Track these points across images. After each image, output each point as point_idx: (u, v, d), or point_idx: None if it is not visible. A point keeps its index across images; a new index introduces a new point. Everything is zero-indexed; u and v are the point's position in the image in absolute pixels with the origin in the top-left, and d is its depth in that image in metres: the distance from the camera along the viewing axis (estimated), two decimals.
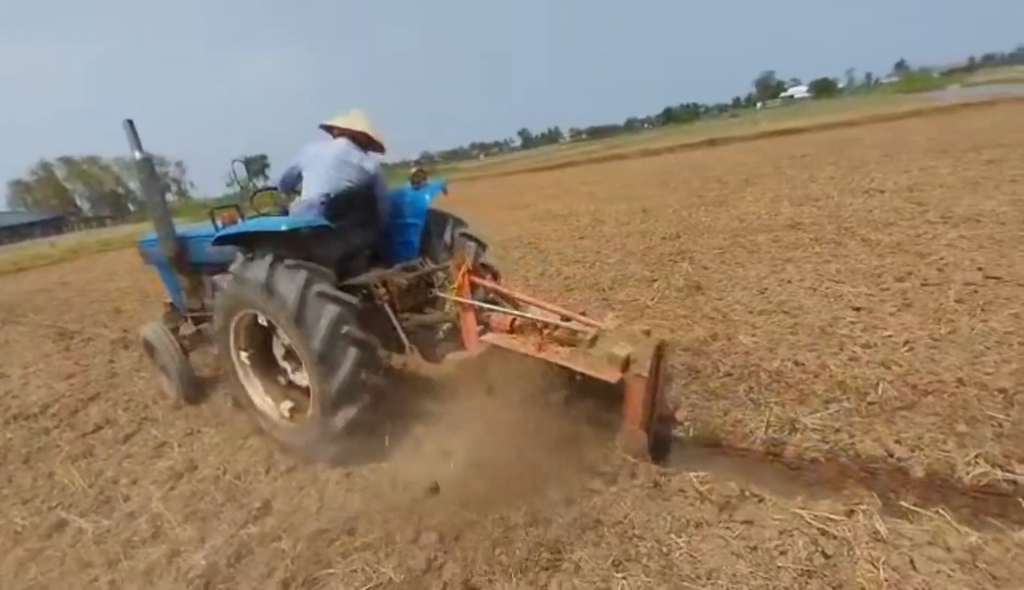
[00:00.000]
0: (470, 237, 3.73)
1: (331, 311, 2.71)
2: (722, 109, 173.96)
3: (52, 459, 3.79)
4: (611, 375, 2.38)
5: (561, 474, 2.54)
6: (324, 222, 3.06)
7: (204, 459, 3.45)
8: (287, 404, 3.35)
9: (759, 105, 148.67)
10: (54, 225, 64.57)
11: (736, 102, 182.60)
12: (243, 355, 3.36)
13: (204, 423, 3.96)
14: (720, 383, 3.29)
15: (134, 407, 4.52)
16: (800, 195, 8.95)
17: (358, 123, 3.44)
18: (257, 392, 3.41)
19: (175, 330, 4.41)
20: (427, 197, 3.71)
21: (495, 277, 3.72)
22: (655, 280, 5.65)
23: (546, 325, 2.78)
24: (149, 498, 3.07)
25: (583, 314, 2.88)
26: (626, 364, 2.39)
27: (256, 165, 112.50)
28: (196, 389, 4.39)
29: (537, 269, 7.12)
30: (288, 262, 2.80)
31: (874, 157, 11.90)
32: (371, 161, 3.46)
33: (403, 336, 3.12)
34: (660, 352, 2.52)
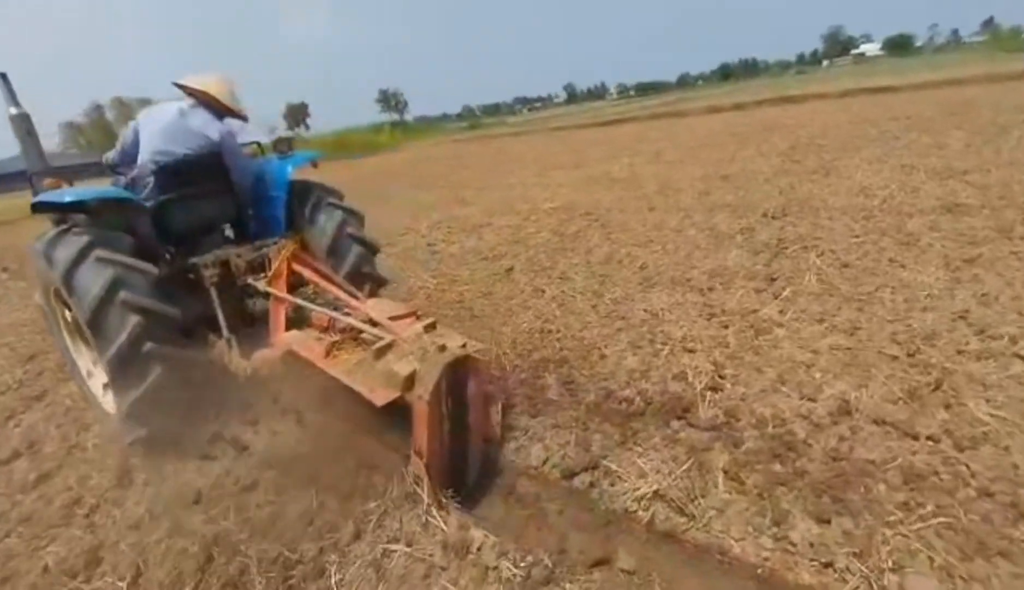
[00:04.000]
0: (339, 207, 3.46)
1: (106, 275, 2.45)
2: (785, 66, 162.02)
3: None
4: (380, 397, 2.04)
5: None
6: (121, 194, 2.88)
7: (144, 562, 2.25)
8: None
9: (825, 63, 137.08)
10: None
11: (800, 58, 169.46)
12: (67, 332, 3.21)
13: (155, 452, 2.71)
14: (990, 508, 1.82)
15: (70, 422, 3.42)
16: (937, 166, 7.03)
17: (211, 87, 3.15)
18: (85, 370, 3.19)
19: None
20: (289, 167, 3.47)
21: (373, 251, 3.54)
22: (774, 279, 4.09)
23: (350, 328, 2.47)
24: None
25: (416, 316, 2.44)
26: (409, 384, 2.03)
27: (299, 113, 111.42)
28: None
29: (601, 249, 5.64)
30: (76, 230, 2.61)
31: (1016, 121, 9.64)
32: (217, 127, 3.17)
33: (221, 322, 2.86)
34: (457, 371, 2.06)
